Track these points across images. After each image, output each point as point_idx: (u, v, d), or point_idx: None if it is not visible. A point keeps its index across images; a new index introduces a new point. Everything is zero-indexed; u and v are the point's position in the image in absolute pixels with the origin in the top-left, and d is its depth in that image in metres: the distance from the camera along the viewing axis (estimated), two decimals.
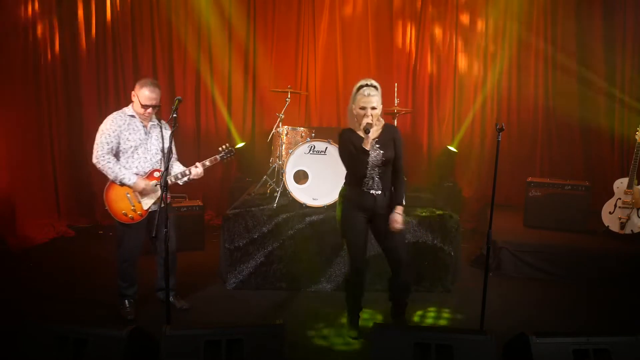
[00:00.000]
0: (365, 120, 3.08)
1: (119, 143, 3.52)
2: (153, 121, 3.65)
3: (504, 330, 3.05)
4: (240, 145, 6.33)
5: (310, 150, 4.50)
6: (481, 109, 6.48)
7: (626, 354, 2.59)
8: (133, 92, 3.56)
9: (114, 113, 3.58)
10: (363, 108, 3.10)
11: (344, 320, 3.61)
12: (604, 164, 6.22)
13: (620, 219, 4.85)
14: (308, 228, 4.31)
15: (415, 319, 3.80)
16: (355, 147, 3.13)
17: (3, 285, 4.28)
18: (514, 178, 6.33)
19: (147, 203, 3.58)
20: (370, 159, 3.13)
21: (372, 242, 3.53)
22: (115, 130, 3.50)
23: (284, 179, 4.54)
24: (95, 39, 6.16)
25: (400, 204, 3.24)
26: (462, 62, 6.48)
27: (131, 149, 3.54)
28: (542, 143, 6.42)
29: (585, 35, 6.11)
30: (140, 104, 3.51)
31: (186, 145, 6.21)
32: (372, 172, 3.17)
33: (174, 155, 3.78)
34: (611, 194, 4.94)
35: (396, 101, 5.12)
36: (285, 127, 4.94)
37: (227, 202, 5.98)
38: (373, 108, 3.10)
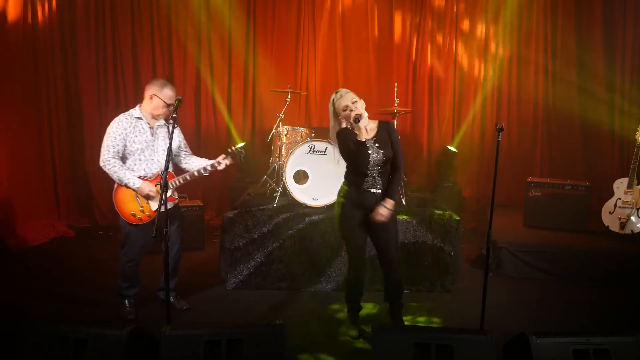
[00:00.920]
0: (353, 112, 3.10)
1: (125, 146, 3.51)
2: (160, 121, 3.64)
3: (504, 330, 3.04)
4: (240, 145, 6.33)
5: (310, 150, 4.50)
6: (481, 109, 6.48)
7: (626, 354, 2.59)
8: (150, 94, 3.54)
9: (121, 115, 3.57)
10: (345, 107, 3.14)
11: (344, 320, 3.60)
12: (604, 164, 6.23)
13: (620, 219, 4.85)
14: (308, 228, 4.31)
15: (415, 319, 3.79)
16: (353, 142, 3.15)
17: (3, 285, 4.27)
18: (514, 178, 6.34)
19: (155, 204, 3.57)
20: (371, 158, 3.13)
21: (371, 243, 3.52)
22: (122, 133, 3.49)
23: (284, 179, 4.54)
24: (95, 39, 6.16)
25: (391, 197, 3.20)
26: (462, 62, 6.49)
27: (138, 151, 3.54)
28: (542, 143, 6.43)
29: (584, 36, 6.11)
30: (166, 103, 3.53)
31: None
32: (372, 171, 3.17)
33: (188, 150, 3.81)
34: (611, 194, 4.94)
35: (396, 101, 5.12)
36: (285, 127, 4.94)
37: (227, 202, 5.99)
38: (354, 102, 3.13)
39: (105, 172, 3.52)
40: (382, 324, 3.30)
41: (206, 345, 2.59)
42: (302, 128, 4.97)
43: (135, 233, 3.59)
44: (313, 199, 4.49)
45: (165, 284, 2.96)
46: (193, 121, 6.51)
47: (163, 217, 2.82)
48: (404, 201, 4.77)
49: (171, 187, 3.61)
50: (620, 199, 4.87)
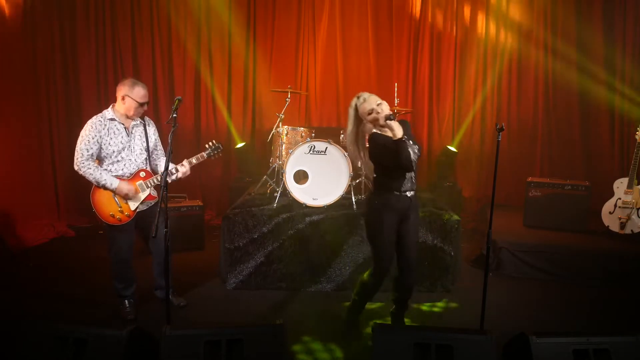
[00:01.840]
0: (383, 113, 3.04)
1: (100, 149, 3.49)
2: (135, 120, 3.61)
3: (504, 330, 3.04)
4: (240, 145, 6.34)
5: (310, 150, 4.50)
6: (481, 109, 6.48)
7: (626, 354, 2.60)
8: (120, 94, 3.50)
9: (94, 118, 3.51)
10: (371, 111, 3.09)
11: (344, 320, 3.60)
12: (604, 164, 6.22)
13: (620, 219, 4.85)
14: (308, 228, 4.31)
15: (416, 319, 3.79)
16: (390, 143, 3.01)
17: (3, 285, 4.27)
18: (514, 178, 6.33)
19: (134, 204, 3.56)
20: (413, 156, 3.05)
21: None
22: (95, 136, 3.45)
23: (284, 179, 4.54)
24: (95, 39, 6.16)
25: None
26: (462, 62, 6.49)
27: (114, 153, 3.51)
28: (542, 143, 6.43)
29: (585, 36, 6.11)
30: (138, 102, 3.50)
31: (186, 145, 6.21)
32: (411, 172, 3.13)
33: (160, 152, 3.77)
34: (611, 194, 4.94)
35: (396, 101, 5.13)
36: (285, 127, 4.94)
37: (227, 202, 5.98)
38: (379, 104, 3.09)
39: (80, 175, 3.49)
40: (383, 324, 3.29)
41: (206, 345, 2.59)
42: (302, 128, 4.97)
43: (118, 234, 3.57)
44: (313, 199, 4.49)
45: (165, 284, 2.96)
46: (193, 121, 6.50)
47: (163, 216, 2.82)
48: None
49: (148, 186, 3.60)
50: (620, 199, 4.87)
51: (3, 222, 5.22)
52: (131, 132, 3.59)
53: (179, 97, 3.14)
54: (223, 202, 6.40)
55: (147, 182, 3.60)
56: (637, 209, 4.80)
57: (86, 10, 6.09)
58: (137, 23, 6.27)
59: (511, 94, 6.46)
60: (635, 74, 6.01)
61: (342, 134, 5.11)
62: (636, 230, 4.79)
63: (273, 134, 5.18)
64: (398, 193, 3.14)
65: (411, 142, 3.09)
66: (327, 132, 5.25)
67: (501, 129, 2.96)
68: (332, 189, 4.45)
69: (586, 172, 6.19)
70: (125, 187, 3.49)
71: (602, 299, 4.25)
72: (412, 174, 3.16)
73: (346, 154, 4.45)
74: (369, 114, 3.10)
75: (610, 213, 4.93)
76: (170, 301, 3.59)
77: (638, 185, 4.84)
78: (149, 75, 6.26)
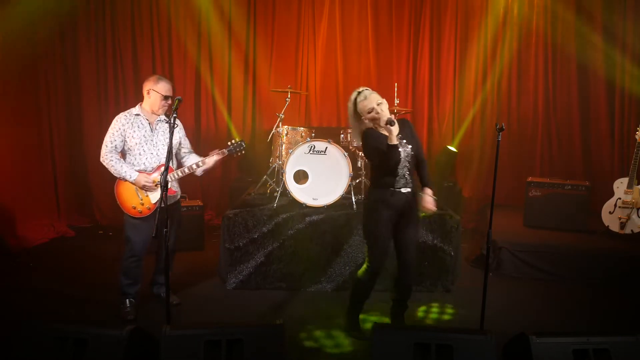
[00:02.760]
0: (384, 117, 3.05)
1: (124, 141, 3.62)
2: (160, 117, 3.72)
3: (504, 330, 3.04)
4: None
5: (310, 150, 4.50)
6: (481, 109, 6.48)
7: (626, 354, 2.60)
8: (147, 89, 3.65)
9: (121, 113, 3.69)
10: (371, 110, 3.10)
11: (344, 319, 3.60)
12: (604, 164, 6.22)
13: (620, 219, 4.85)
14: (308, 228, 4.31)
15: (416, 318, 3.79)
16: (384, 143, 3.05)
17: (3, 285, 4.27)
18: (514, 178, 6.33)
19: (155, 197, 3.63)
20: (402, 157, 3.11)
21: None
22: (119, 129, 3.60)
23: (284, 178, 4.54)
24: (95, 39, 6.16)
25: (430, 186, 3.28)
26: (462, 62, 6.48)
27: (137, 146, 3.62)
28: (542, 143, 6.42)
29: (585, 35, 6.11)
30: (163, 95, 3.63)
31: None
32: (403, 170, 3.16)
33: (188, 149, 3.88)
34: (611, 194, 4.94)
35: (396, 101, 5.12)
36: (285, 127, 4.94)
37: (227, 202, 5.98)
38: (379, 104, 3.09)
39: (105, 168, 3.61)
40: (382, 324, 3.30)
41: (206, 345, 2.59)
42: (302, 128, 4.98)
43: (138, 227, 3.63)
44: (313, 198, 4.49)
45: (165, 283, 2.96)
46: (193, 121, 6.49)
47: (163, 217, 2.83)
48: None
49: (170, 179, 3.64)
50: (620, 199, 4.87)
51: (3, 222, 5.21)
52: (155, 128, 3.69)
53: (179, 97, 3.15)
54: (223, 202, 6.40)
55: (171, 176, 3.65)
56: (637, 209, 4.80)
57: (86, 10, 6.09)
58: (137, 23, 6.27)
59: (511, 94, 6.46)
60: (636, 73, 6.00)
61: (342, 134, 5.13)
62: (636, 230, 4.79)
63: (273, 134, 5.18)
64: (393, 189, 3.17)
65: (404, 141, 3.15)
66: (327, 132, 5.26)
67: (501, 129, 2.96)
68: (332, 189, 4.45)
69: (586, 172, 6.19)
70: (143, 179, 3.58)
71: (602, 299, 4.25)
72: (406, 171, 3.17)
73: (346, 154, 4.46)
74: (369, 112, 3.11)
75: (610, 213, 4.92)
76: (163, 298, 3.61)
77: (638, 185, 4.84)
78: (149, 75, 6.22)
